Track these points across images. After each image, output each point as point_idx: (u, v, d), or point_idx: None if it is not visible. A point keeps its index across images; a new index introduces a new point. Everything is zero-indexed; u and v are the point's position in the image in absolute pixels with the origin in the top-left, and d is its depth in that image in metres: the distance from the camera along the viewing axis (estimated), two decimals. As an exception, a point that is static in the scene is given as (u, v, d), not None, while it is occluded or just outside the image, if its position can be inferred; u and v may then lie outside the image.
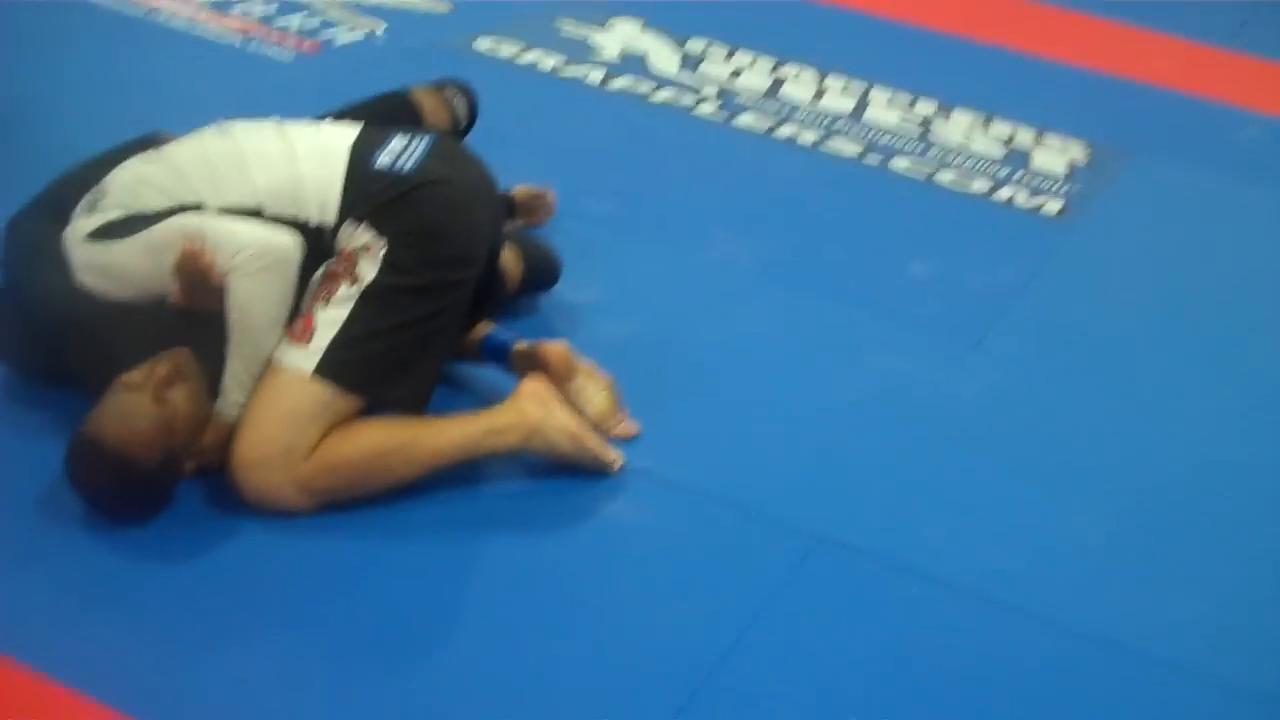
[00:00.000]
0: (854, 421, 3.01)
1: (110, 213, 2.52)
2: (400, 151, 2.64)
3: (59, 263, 2.51)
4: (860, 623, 2.44)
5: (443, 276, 2.57)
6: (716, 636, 2.34)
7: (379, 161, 2.60)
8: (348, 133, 2.70)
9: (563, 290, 3.30)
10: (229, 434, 2.47)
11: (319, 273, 2.54)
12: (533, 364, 2.78)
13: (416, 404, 2.60)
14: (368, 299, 2.50)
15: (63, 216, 2.57)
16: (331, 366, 2.47)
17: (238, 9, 4.72)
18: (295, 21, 4.70)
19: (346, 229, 2.53)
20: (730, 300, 3.44)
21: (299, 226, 2.52)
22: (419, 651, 2.27)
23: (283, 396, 2.46)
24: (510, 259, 3.07)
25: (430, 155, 2.66)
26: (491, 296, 2.87)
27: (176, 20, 4.54)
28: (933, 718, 2.27)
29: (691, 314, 3.34)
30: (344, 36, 4.66)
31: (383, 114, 3.04)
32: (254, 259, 2.43)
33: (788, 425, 2.95)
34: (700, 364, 3.13)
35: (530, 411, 2.62)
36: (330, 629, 2.28)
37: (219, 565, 2.38)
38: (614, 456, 2.70)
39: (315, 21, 4.74)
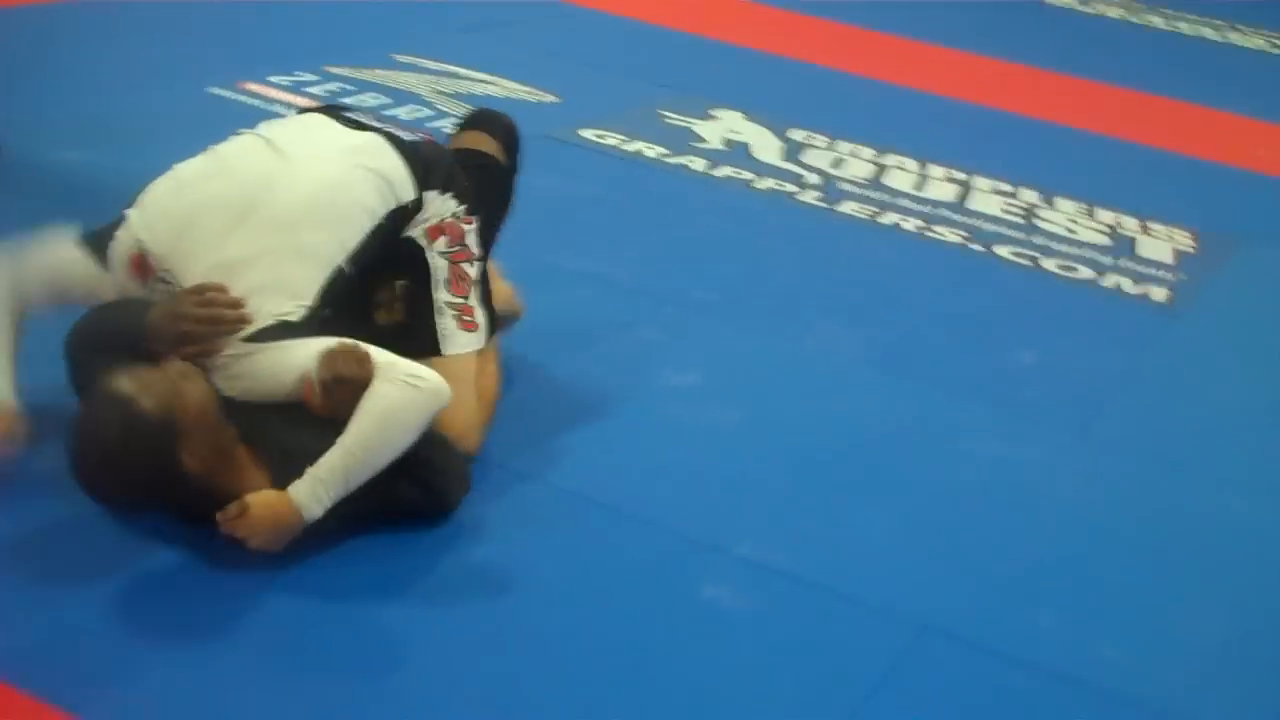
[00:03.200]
0: (959, 509, 2.99)
1: (265, 319, 2.53)
2: (389, 124, 2.94)
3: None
4: (966, 714, 2.40)
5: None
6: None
7: (403, 136, 2.87)
8: (338, 125, 2.86)
9: (665, 375, 3.32)
10: (285, 519, 2.43)
11: (445, 266, 2.82)
12: None
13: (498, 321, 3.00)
14: (482, 267, 2.91)
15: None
16: (488, 333, 2.91)
17: (350, 100, 4.83)
18: (404, 113, 4.81)
19: (431, 199, 2.81)
20: (833, 387, 3.44)
21: (396, 212, 2.75)
22: None
23: (466, 373, 2.80)
24: None
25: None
26: None
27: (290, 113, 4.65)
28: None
29: (794, 401, 3.34)
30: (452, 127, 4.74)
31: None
32: (436, 389, 2.54)
33: (892, 513, 2.94)
34: (803, 451, 3.12)
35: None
36: (396, 709, 2.27)
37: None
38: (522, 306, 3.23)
39: (425, 113, 4.85)
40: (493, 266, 3.07)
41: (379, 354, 2.54)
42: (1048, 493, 3.10)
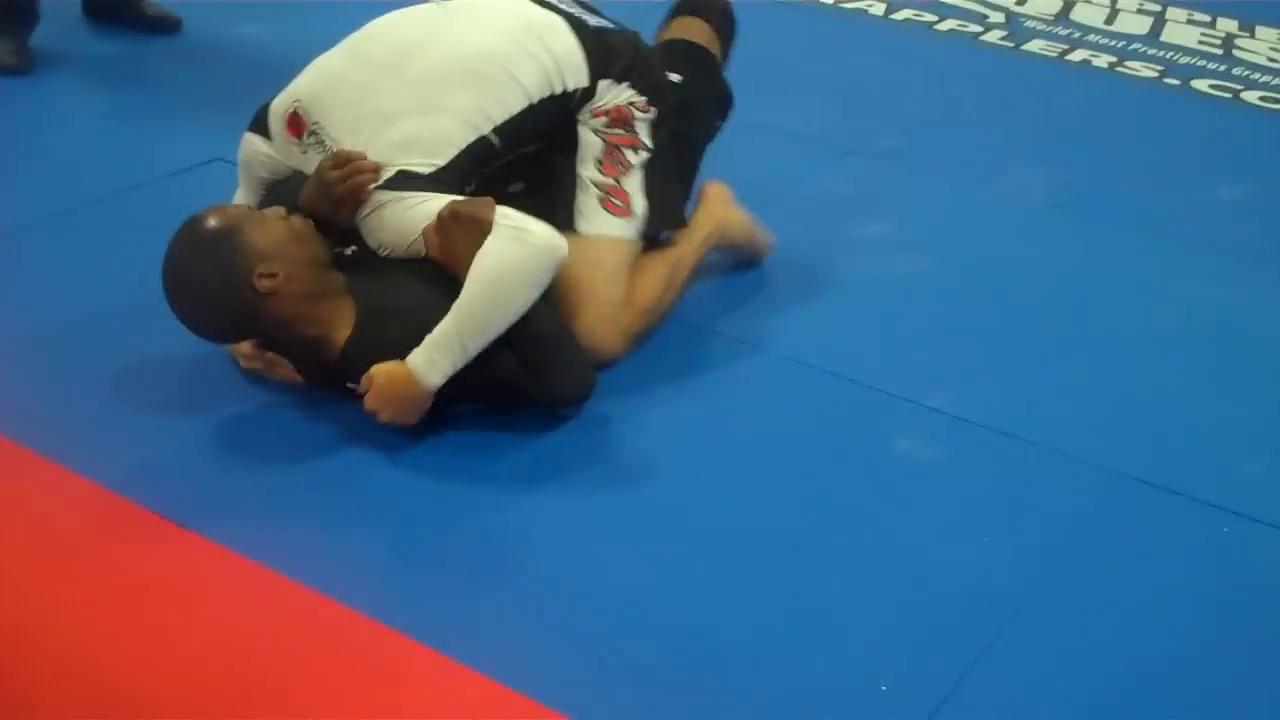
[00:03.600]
0: (1159, 354, 2.90)
1: (390, 171, 2.52)
2: (583, 7, 2.81)
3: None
4: (1170, 564, 2.34)
5: (673, 115, 2.82)
6: (1020, 579, 2.28)
7: (591, 21, 2.76)
8: (525, 2, 2.77)
9: (853, 225, 3.27)
10: (405, 388, 2.41)
11: (599, 144, 2.71)
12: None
13: (684, 221, 2.86)
14: (654, 157, 2.76)
15: None
16: (647, 225, 2.75)
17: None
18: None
19: (605, 87, 2.70)
20: (1025, 232, 3.35)
21: (560, 98, 2.66)
22: (694, 580, 2.24)
23: (607, 261, 2.67)
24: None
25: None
26: None
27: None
28: (1253, 665, 2.17)
29: (985, 247, 3.26)
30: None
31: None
32: (549, 244, 2.44)
33: (1089, 359, 2.86)
34: (996, 298, 3.06)
35: (717, 212, 2.92)
36: (609, 583, 2.28)
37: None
38: (771, 241, 3.06)
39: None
40: (723, 190, 2.98)
41: (499, 208, 2.46)
42: (1252, 336, 2.99)
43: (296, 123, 2.62)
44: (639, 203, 2.73)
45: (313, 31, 2.95)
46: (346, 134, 2.56)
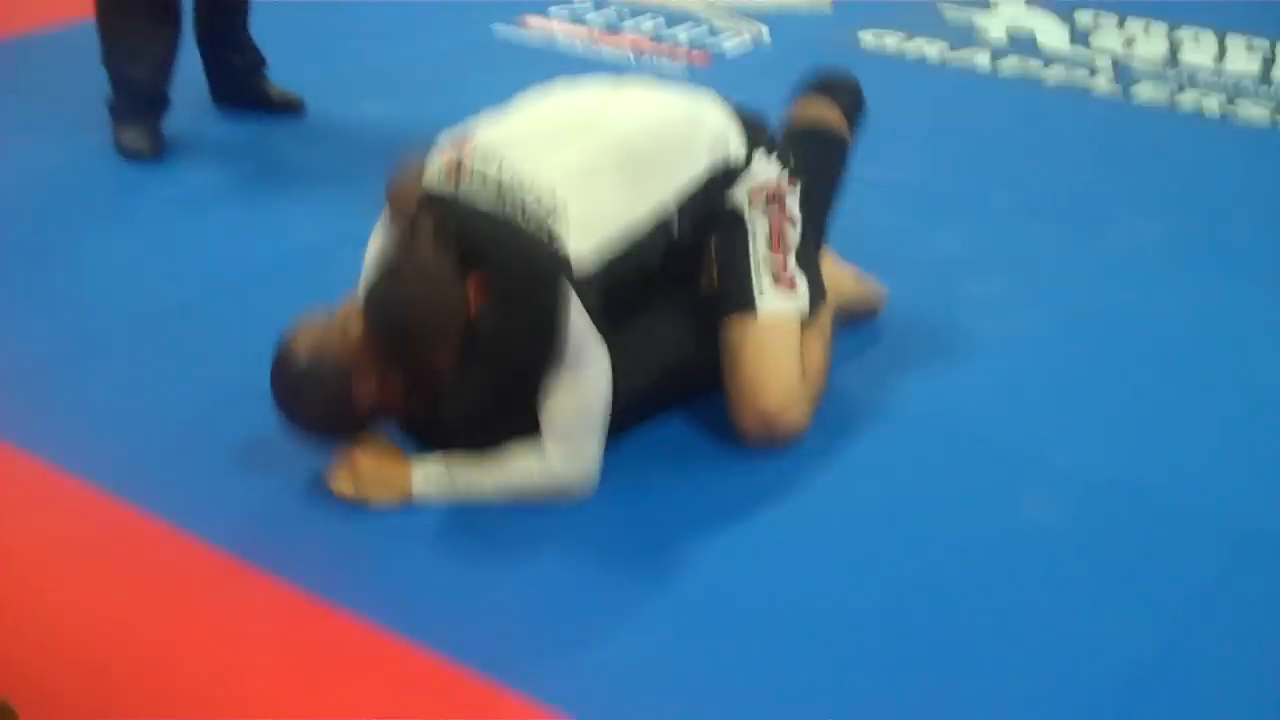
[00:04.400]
0: (1283, 407, 2.89)
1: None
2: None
3: None
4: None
5: (809, 197, 2.85)
6: (1147, 645, 2.26)
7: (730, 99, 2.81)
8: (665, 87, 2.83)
9: (967, 281, 3.29)
10: (396, 485, 2.51)
11: (765, 222, 2.73)
12: None
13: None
14: (803, 233, 2.80)
15: None
16: (811, 300, 2.77)
17: (628, 25, 4.88)
18: (683, 34, 4.82)
19: (758, 159, 2.73)
20: (1141, 284, 3.34)
21: (725, 170, 2.69)
22: (790, 650, 2.23)
23: (786, 339, 2.70)
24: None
25: None
26: None
27: (574, 45, 4.73)
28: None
29: (1102, 300, 3.26)
30: (730, 44, 4.75)
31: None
32: (572, 485, 2.52)
33: (1210, 414, 2.85)
34: (1114, 353, 3.05)
35: (832, 273, 2.94)
36: (693, 628, 2.31)
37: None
38: (884, 292, 3.10)
39: (702, 30, 4.86)
40: (827, 252, 3.00)
41: (560, 424, 2.49)
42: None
43: (458, 169, 2.53)
44: (800, 280, 2.76)
45: (433, 108, 3.02)
46: (529, 162, 2.52)
